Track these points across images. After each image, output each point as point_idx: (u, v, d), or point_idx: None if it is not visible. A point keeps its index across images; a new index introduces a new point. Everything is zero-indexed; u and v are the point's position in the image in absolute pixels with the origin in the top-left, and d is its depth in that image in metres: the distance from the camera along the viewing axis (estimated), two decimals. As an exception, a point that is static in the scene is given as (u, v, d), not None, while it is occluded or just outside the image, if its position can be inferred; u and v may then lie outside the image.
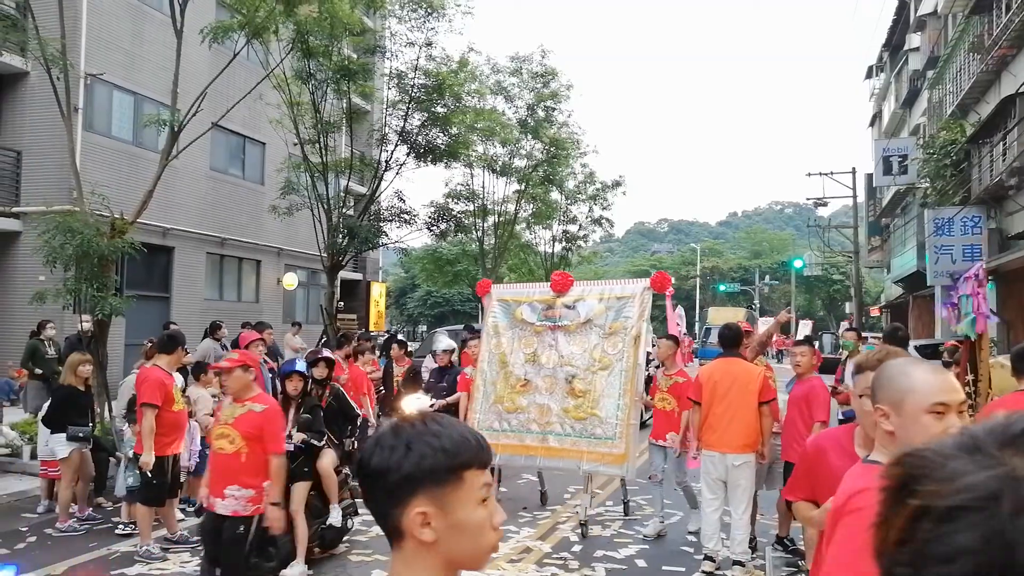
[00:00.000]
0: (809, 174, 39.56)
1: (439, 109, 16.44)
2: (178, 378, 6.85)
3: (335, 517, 6.06)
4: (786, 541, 6.23)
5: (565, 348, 6.96)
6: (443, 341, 9.72)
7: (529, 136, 22.49)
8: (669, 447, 6.71)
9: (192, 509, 7.48)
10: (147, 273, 16.16)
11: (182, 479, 7.07)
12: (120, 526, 7.02)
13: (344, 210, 16.03)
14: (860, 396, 2.23)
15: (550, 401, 6.98)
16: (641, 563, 6.18)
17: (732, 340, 6.07)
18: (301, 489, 5.73)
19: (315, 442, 5.89)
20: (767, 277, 57.97)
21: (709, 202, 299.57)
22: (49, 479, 7.70)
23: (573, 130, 24.17)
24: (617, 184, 26.46)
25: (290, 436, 5.62)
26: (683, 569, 5.92)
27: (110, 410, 9.10)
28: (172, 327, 12.86)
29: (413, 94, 16.10)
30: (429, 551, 1.18)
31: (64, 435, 7.13)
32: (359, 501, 6.63)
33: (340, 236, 15.35)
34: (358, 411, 6.76)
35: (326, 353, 6.86)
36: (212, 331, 12.03)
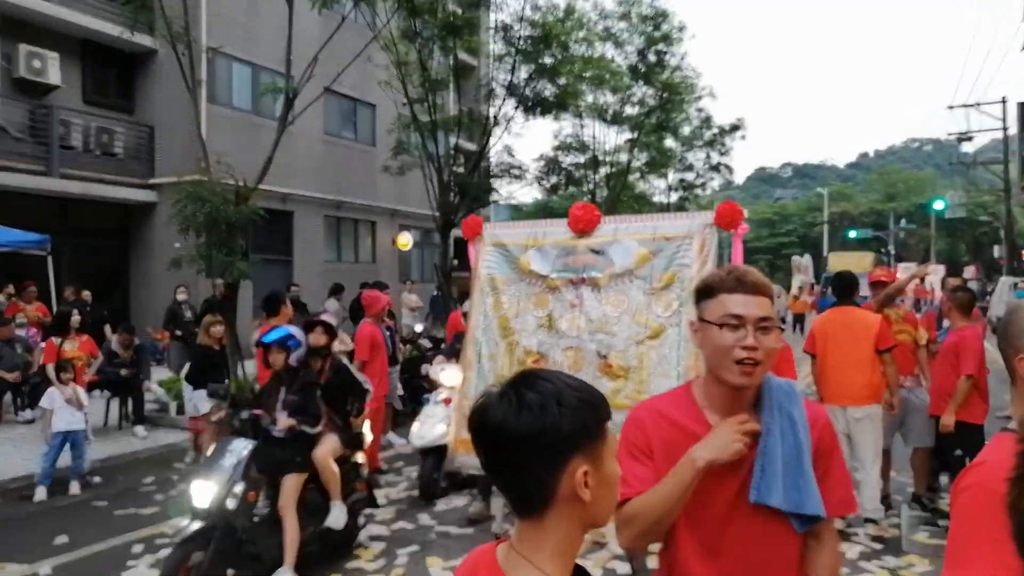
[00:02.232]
0: (951, 107, 36.06)
1: (546, 60, 16.11)
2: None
3: (336, 517, 5.01)
4: (924, 500, 5.87)
5: (595, 309, 5.00)
6: None
7: (640, 82, 21.76)
8: None
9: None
10: (270, 237, 16.92)
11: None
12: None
13: (454, 168, 16.11)
14: None
15: None
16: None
17: (845, 288, 5.78)
18: (292, 483, 4.81)
19: (307, 428, 4.92)
20: (903, 221, 54.19)
21: (837, 143, 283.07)
22: (195, 432, 8.26)
23: (687, 74, 23.17)
24: (736, 128, 25.35)
25: (274, 421, 4.88)
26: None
27: (243, 368, 9.63)
28: (293, 288, 13.50)
29: (519, 46, 15.83)
30: (579, 513, 1.14)
31: (205, 391, 7.60)
32: (379, 491, 6.41)
33: (451, 194, 15.46)
34: (367, 385, 5.61)
35: (325, 316, 5.83)
36: (335, 292, 12.52)
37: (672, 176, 25.58)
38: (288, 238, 18.15)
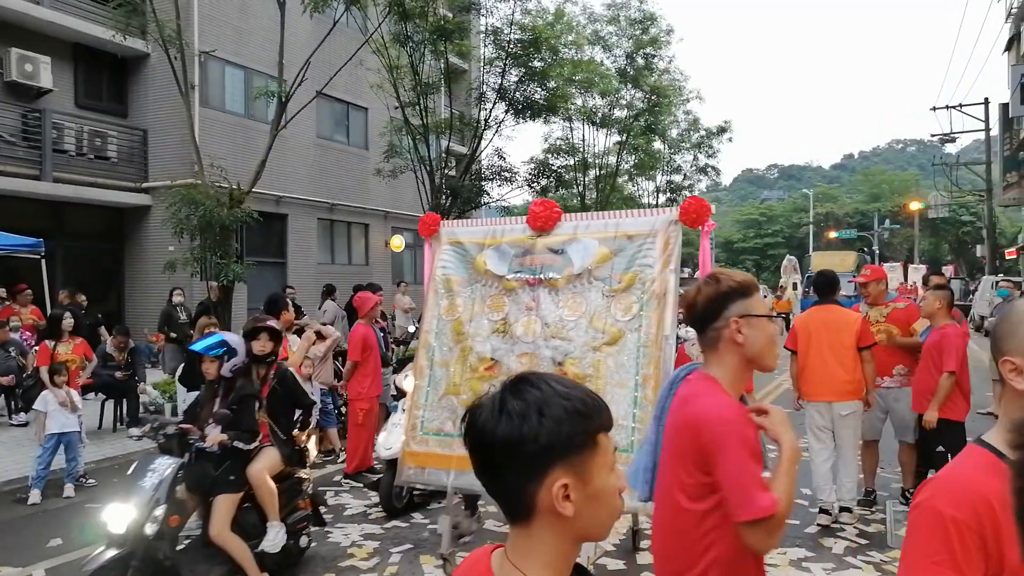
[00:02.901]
0: (935, 108, 36.45)
1: (536, 63, 16.27)
2: (292, 339, 7.17)
3: (272, 539, 4.55)
4: (907, 494, 6.01)
5: (551, 312, 4.65)
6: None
7: (629, 85, 21.98)
8: None
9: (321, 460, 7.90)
10: (264, 240, 16.99)
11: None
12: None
13: (446, 171, 16.24)
14: None
15: None
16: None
17: (826, 286, 5.94)
18: (224, 503, 4.37)
19: (241, 444, 4.48)
20: (887, 221, 54.73)
21: (822, 145, 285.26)
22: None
23: (675, 77, 23.46)
24: (723, 130, 25.59)
25: (203, 438, 4.45)
26: (797, 522, 5.77)
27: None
28: (288, 291, 13.58)
29: (509, 50, 15.98)
30: (564, 525, 1.09)
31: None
32: (372, 492, 6.27)
33: (443, 197, 15.58)
34: (311, 397, 5.19)
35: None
36: (328, 293, 12.63)
37: (660, 178, 25.80)
38: (282, 240, 18.20)
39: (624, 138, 22.69)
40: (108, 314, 13.87)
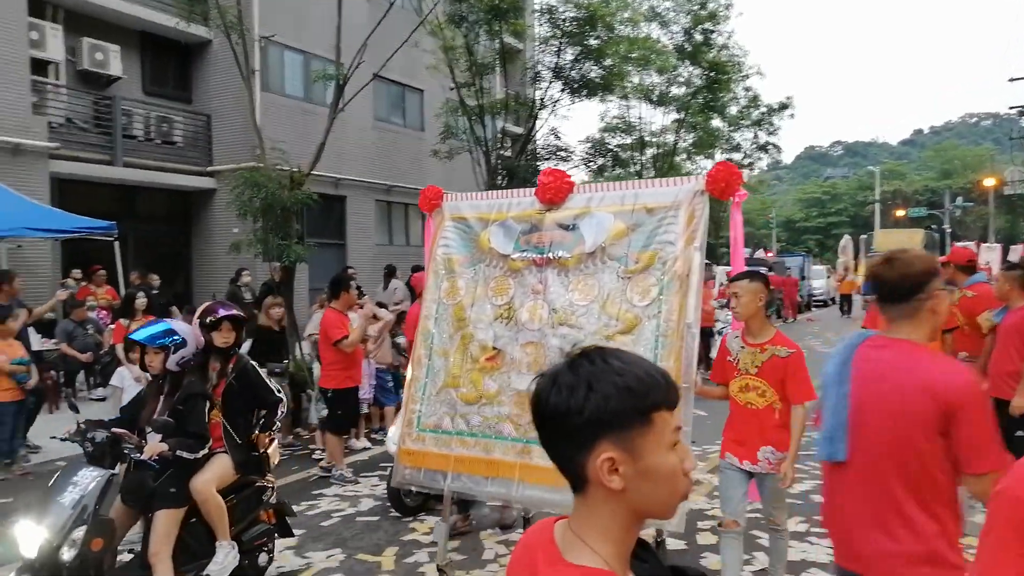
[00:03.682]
0: (1012, 79, 34.72)
1: (592, 41, 16.09)
2: (353, 318, 7.30)
3: (220, 561, 3.97)
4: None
5: (560, 296, 4.11)
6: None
7: (687, 62, 21.59)
8: (764, 470, 3.87)
9: (383, 438, 8.06)
10: (324, 221, 17.28)
11: (364, 410, 7.66)
12: (317, 452, 7.74)
13: (501, 151, 16.24)
14: None
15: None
16: (816, 497, 5.98)
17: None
18: (165, 520, 3.79)
19: (185, 454, 3.84)
20: (959, 199, 52.58)
21: (890, 120, 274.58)
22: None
23: (734, 52, 22.95)
24: (784, 107, 24.99)
25: (141, 445, 3.81)
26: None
27: (300, 349, 9.95)
28: (349, 271, 13.84)
29: (565, 28, 15.83)
30: (617, 499, 1.11)
31: (264, 371, 7.90)
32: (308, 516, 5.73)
33: (499, 177, 15.60)
34: (277, 394, 4.45)
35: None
36: (392, 274, 12.90)
37: (719, 156, 25.31)
38: (341, 222, 18.50)
39: (682, 116, 22.33)
40: (176, 294, 14.37)
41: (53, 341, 9.74)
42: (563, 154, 17.57)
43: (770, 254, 33.95)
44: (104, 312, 10.91)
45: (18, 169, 12.06)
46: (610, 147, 21.08)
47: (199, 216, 16.45)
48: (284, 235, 10.34)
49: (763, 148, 25.92)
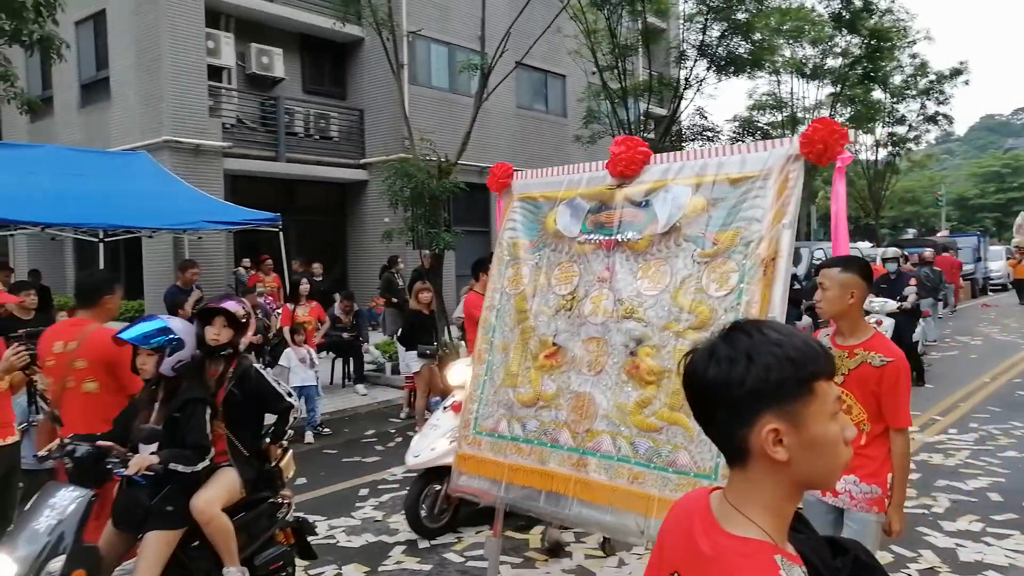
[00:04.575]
0: None
1: (740, 16, 15.44)
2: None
3: None
4: None
5: (628, 285, 3.46)
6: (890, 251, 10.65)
7: (844, 31, 20.19)
8: (845, 505, 3.07)
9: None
10: (469, 210, 17.70)
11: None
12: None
13: (645, 133, 15.96)
14: None
15: (595, 388, 3.44)
16: (995, 496, 5.48)
17: None
18: (155, 543, 3.25)
19: (180, 467, 3.32)
20: None
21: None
22: (408, 390, 8.99)
23: (898, 16, 21.17)
24: (957, 73, 22.86)
25: (126, 462, 3.24)
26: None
27: (449, 332, 10.30)
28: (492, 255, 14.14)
29: (711, 4, 15.27)
30: (781, 470, 1.11)
31: (416, 352, 8.25)
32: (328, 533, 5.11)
33: (642, 161, 15.35)
34: (288, 399, 3.86)
35: (228, 304, 3.76)
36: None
37: (880, 131, 23.58)
38: (486, 210, 18.88)
39: (839, 89, 20.96)
40: (334, 281, 15.26)
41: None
42: (710, 134, 17.01)
43: (943, 233, 31.35)
44: (271, 297, 11.78)
45: (198, 167, 13.26)
46: (759, 125, 20.17)
47: (354, 207, 17.35)
48: (433, 223, 10.71)
49: (932, 119, 23.82)
